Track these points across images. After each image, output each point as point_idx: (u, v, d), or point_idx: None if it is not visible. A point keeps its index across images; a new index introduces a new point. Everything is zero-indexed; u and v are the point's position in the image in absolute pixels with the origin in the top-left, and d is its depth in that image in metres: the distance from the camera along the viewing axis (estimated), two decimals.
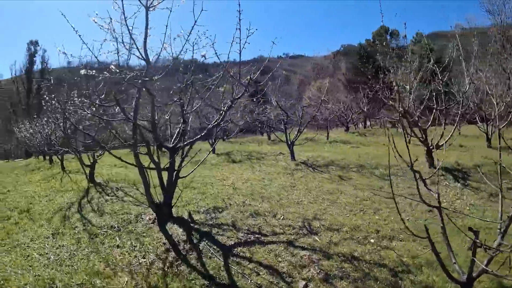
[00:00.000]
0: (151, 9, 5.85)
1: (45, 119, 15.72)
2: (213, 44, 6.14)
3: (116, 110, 6.80)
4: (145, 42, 5.98)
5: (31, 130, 19.07)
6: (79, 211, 7.83)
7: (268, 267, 5.60)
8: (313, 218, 7.69)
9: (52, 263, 5.50)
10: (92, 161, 10.63)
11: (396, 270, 5.67)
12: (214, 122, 7.11)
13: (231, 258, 5.81)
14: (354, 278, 5.43)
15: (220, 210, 7.80)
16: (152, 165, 6.70)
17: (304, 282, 5.23)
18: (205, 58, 6.17)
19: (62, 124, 11.22)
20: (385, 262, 5.89)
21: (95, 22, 5.55)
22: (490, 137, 17.80)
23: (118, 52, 5.74)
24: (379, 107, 29.45)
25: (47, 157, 19.67)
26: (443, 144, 10.86)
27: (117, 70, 5.68)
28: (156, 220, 6.87)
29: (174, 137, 7.22)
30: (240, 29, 5.94)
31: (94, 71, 5.65)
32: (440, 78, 11.21)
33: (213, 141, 17.95)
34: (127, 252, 5.86)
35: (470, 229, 3.94)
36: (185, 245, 6.09)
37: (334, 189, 10.01)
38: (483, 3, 33.32)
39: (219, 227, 6.93)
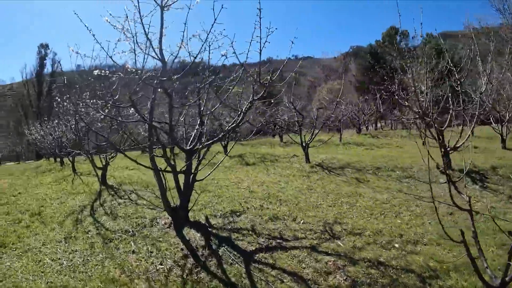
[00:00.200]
0: (165, 8, 5.68)
1: (56, 121, 15.65)
2: (232, 43, 5.89)
3: (130, 111, 6.61)
4: (160, 41, 5.80)
5: (42, 132, 19.03)
6: (92, 214, 7.63)
7: (292, 274, 5.33)
8: (334, 222, 7.42)
9: (65, 269, 5.28)
10: (104, 163, 10.44)
11: (424, 275, 5.41)
12: (233, 124, 6.84)
13: (253, 264, 5.55)
14: (382, 285, 5.17)
15: (238, 214, 7.55)
16: (165, 168, 6.46)
17: None
18: (226, 57, 5.91)
19: (74, 126, 11.05)
20: (412, 267, 5.63)
21: (108, 22, 5.34)
22: (505, 138, 17.35)
23: (135, 51, 5.51)
24: (391, 108, 29.14)
25: (58, 159, 19.63)
26: (460, 146, 10.60)
27: (133, 70, 5.55)
28: (172, 225, 6.63)
29: (191, 139, 6.98)
30: (260, 27, 5.67)
31: (107, 71, 5.52)
32: (458, 78, 10.88)
33: (225, 143, 17.72)
34: (143, 258, 5.62)
35: (510, 233, 3.69)
36: (204, 251, 5.84)
37: (352, 192, 9.72)
38: (493, 1, 32.88)
39: (238, 231, 6.66)
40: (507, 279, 3.81)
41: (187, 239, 6.18)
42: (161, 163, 6.53)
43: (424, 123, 11.63)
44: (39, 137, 20.02)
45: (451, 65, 11.04)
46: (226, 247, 5.97)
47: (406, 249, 6.25)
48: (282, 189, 9.91)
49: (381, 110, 18.93)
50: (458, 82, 11.00)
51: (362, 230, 7.02)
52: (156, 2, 5.59)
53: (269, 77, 6.28)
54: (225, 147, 18.22)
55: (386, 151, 17.85)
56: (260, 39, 5.70)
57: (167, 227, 6.64)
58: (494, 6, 32.98)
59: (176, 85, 6.17)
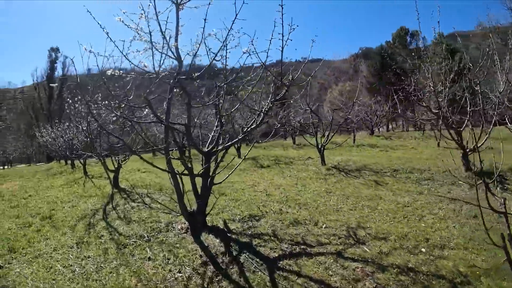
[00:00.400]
0: (180, 7, 5.46)
1: (67, 123, 15.56)
2: (252, 41, 5.59)
3: (145, 112, 6.36)
4: (176, 39, 5.57)
5: (53, 135, 18.95)
6: (104, 218, 7.39)
7: (319, 282, 5.04)
8: (357, 226, 7.11)
9: (77, 276, 5.01)
10: (116, 165, 10.21)
11: (455, 281, 5.18)
12: (252, 125, 6.52)
13: (277, 272, 5.25)
14: None
15: (257, 218, 7.26)
16: (182, 171, 6.17)
17: None
18: (249, 54, 5.60)
19: (85, 127, 10.86)
20: (442, 273, 5.38)
21: (122, 21, 5.09)
22: None
23: (152, 49, 5.24)
24: (405, 109, 28.60)
25: (69, 162, 19.56)
26: (479, 147, 10.23)
27: (147, 67, 5.32)
28: (189, 230, 6.33)
29: (209, 140, 6.70)
30: (282, 24, 5.38)
31: (121, 71, 5.30)
32: (477, 77, 10.55)
33: (238, 145, 17.47)
34: (160, 265, 5.32)
35: None
36: (224, 258, 5.53)
37: (372, 195, 9.40)
38: (505, 0, 32.51)
39: (259, 237, 6.35)
40: None
41: (206, 245, 5.88)
42: (176, 166, 6.24)
43: (444, 123, 11.30)
44: (50, 139, 19.97)
45: (470, 64, 10.72)
46: (247, 253, 5.67)
47: (434, 254, 6.01)
48: (300, 192, 9.62)
49: (399, 111, 18.57)
50: (478, 82, 10.67)
51: (386, 235, 6.73)
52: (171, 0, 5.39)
53: (290, 77, 6.00)
54: (238, 149, 17.95)
55: (401, 153, 17.58)
56: (282, 36, 5.44)
57: (183, 232, 6.34)
58: (505, 5, 32.61)
59: (197, 83, 5.91)
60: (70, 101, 11.11)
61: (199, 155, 6.47)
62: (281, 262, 5.52)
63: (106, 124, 9.45)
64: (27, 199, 9.81)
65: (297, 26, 5.43)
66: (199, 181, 6.37)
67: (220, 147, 6.42)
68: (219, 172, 6.47)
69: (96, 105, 8.45)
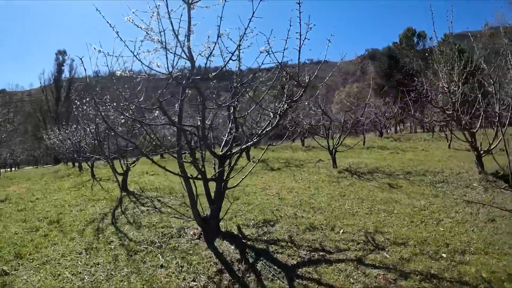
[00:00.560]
0: (192, 5, 5.27)
1: (74, 126, 15.47)
2: (268, 40, 5.36)
3: (155, 114, 6.15)
4: (188, 39, 5.35)
5: (61, 137, 18.89)
6: (114, 223, 7.19)
7: None
8: (375, 231, 6.84)
9: (86, 285, 4.78)
10: (125, 168, 10.01)
11: (479, 287, 4.94)
12: (268, 127, 6.28)
13: (296, 280, 4.99)
14: None
15: (271, 223, 7.00)
16: (196, 175, 5.95)
17: None
18: (268, 53, 5.36)
19: (94, 129, 10.69)
20: (466, 279, 5.13)
21: (132, 21, 4.89)
22: None
23: (165, 48, 5.03)
24: (415, 110, 28.25)
25: (76, 164, 19.50)
26: (493, 148, 9.96)
27: (163, 68, 5.12)
28: (202, 235, 6.09)
29: (223, 143, 6.48)
30: (300, 22, 5.15)
31: (131, 72, 5.11)
32: (491, 77, 10.31)
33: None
34: (173, 273, 5.07)
35: None
36: (240, 265, 5.28)
37: (387, 198, 9.12)
38: None
39: (276, 243, 6.09)
40: None
41: (220, 251, 5.63)
42: (188, 169, 6.02)
43: (457, 124, 11.03)
44: (57, 141, 19.92)
45: (484, 64, 10.46)
46: (264, 260, 5.41)
47: (455, 259, 5.75)
48: (314, 195, 9.36)
49: (412, 112, 18.28)
50: (492, 82, 10.41)
51: (405, 240, 6.47)
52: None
53: (307, 77, 5.77)
54: (247, 152, 17.71)
55: (412, 155, 17.28)
56: (300, 35, 5.20)
57: (196, 238, 6.11)
58: None
59: (213, 84, 5.70)
60: (78, 102, 10.99)
61: (210, 158, 6.25)
62: (300, 269, 5.27)
63: (115, 126, 9.29)
64: (34, 202, 9.68)
65: (314, 25, 5.21)
66: (211, 185, 6.15)
67: (234, 150, 6.19)
68: (233, 176, 6.24)
69: (104, 107, 8.28)
